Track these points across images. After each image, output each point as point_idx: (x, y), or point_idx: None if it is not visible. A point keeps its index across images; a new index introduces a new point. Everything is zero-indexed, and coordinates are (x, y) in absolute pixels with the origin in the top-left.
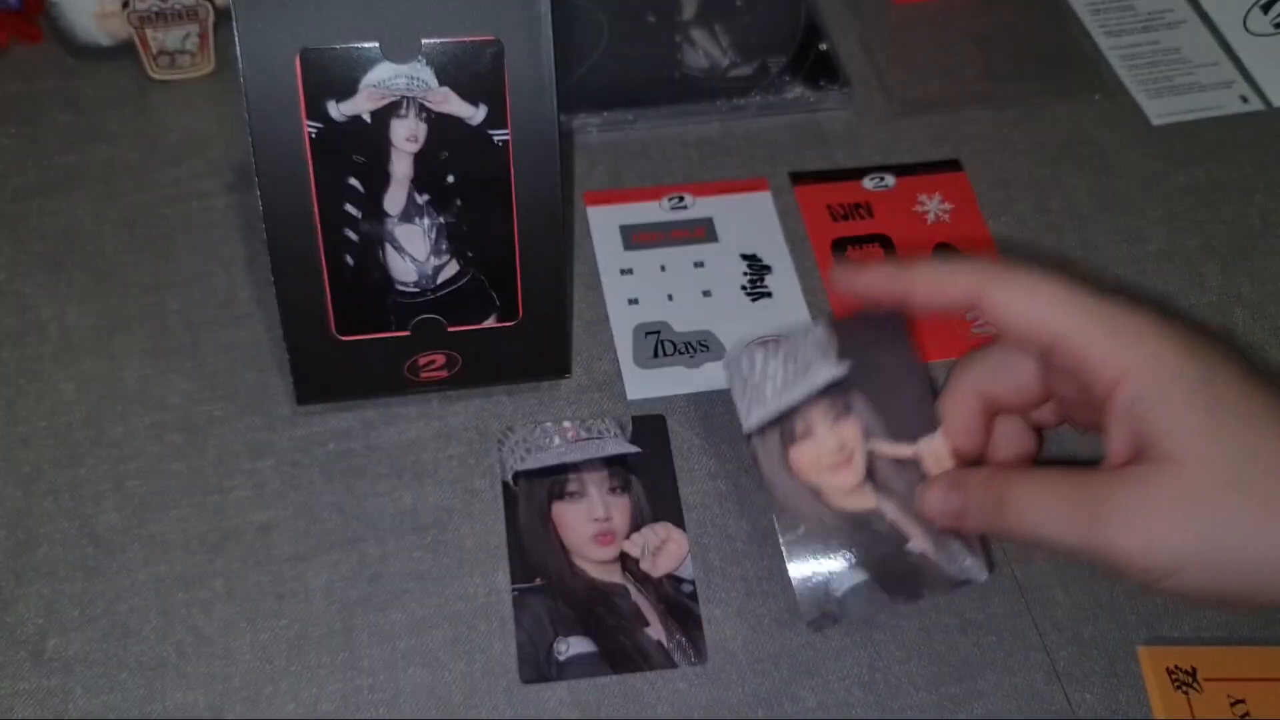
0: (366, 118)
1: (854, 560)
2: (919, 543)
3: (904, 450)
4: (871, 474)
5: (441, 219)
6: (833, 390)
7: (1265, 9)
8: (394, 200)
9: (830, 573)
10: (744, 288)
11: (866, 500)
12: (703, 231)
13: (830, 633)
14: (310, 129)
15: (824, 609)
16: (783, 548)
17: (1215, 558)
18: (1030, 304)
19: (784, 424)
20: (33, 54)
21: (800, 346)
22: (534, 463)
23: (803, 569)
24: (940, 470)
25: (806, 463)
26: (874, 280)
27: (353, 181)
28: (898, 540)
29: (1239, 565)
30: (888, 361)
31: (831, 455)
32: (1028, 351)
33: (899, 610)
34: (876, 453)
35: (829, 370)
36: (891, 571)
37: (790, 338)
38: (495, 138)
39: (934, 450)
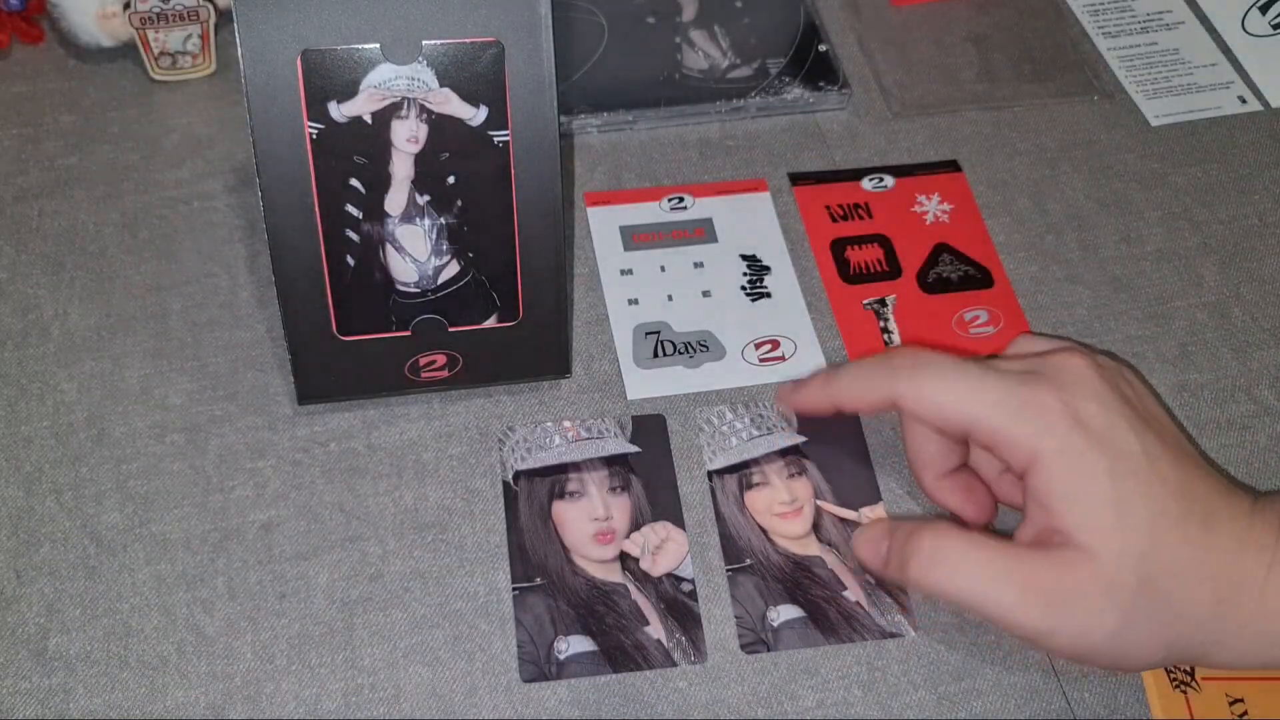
0: (367, 119)
1: (792, 598)
2: (854, 593)
3: (848, 513)
4: (817, 527)
5: (442, 219)
6: (790, 453)
7: (1263, 10)
8: (395, 201)
9: (769, 604)
10: (743, 288)
11: (810, 548)
12: (702, 232)
13: None
14: (311, 130)
15: (759, 635)
16: (726, 574)
17: (1121, 646)
18: (943, 394)
19: (743, 471)
20: (35, 55)
21: (767, 413)
22: (534, 462)
23: (743, 597)
24: None
25: (760, 506)
26: (806, 398)
27: (354, 182)
28: (836, 587)
29: (1138, 652)
30: (840, 440)
31: (784, 505)
32: (951, 436)
33: (828, 649)
34: (824, 509)
35: (789, 437)
36: (826, 614)
37: (758, 404)
38: (496, 138)
39: (874, 517)
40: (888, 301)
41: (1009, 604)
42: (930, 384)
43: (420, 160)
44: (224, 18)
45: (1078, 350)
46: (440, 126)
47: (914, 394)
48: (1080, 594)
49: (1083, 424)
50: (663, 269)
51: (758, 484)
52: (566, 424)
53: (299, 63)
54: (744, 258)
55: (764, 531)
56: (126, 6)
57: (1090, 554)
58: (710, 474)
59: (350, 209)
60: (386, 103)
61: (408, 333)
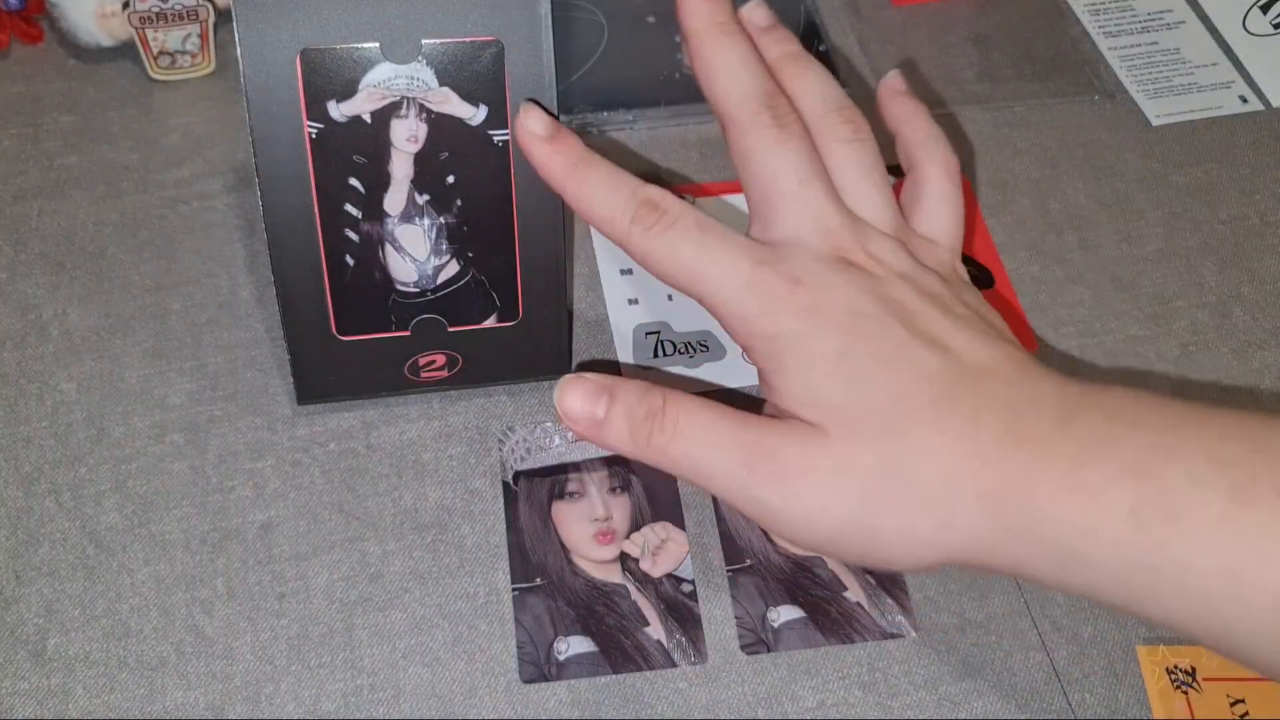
0: (367, 118)
1: (793, 599)
2: (855, 594)
3: None
4: None
5: (442, 219)
6: None
7: (1265, 9)
8: (394, 200)
9: (769, 605)
10: None
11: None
12: None
13: None
14: (310, 129)
15: (759, 636)
16: (726, 575)
17: (868, 535)
18: (672, 260)
19: None
20: (33, 55)
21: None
22: (534, 462)
23: (743, 598)
24: None
25: None
26: (546, 158)
27: (353, 182)
28: (836, 587)
29: (894, 546)
30: None
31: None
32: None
33: (829, 649)
34: None
35: None
36: (827, 614)
37: (756, 405)
38: (495, 138)
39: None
40: None
41: (734, 472)
42: (662, 245)
43: (420, 160)
44: (223, 17)
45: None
46: (440, 126)
47: (644, 250)
48: (809, 469)
49: (811, 306)
50: None
51: None
52: None
53: (298, 62)
54: None
55: (764, 532)
56: (125, 6)
57: (820, 430)
58: None
59: (349, 208)
60: (386, 102)
61: (407, 333)
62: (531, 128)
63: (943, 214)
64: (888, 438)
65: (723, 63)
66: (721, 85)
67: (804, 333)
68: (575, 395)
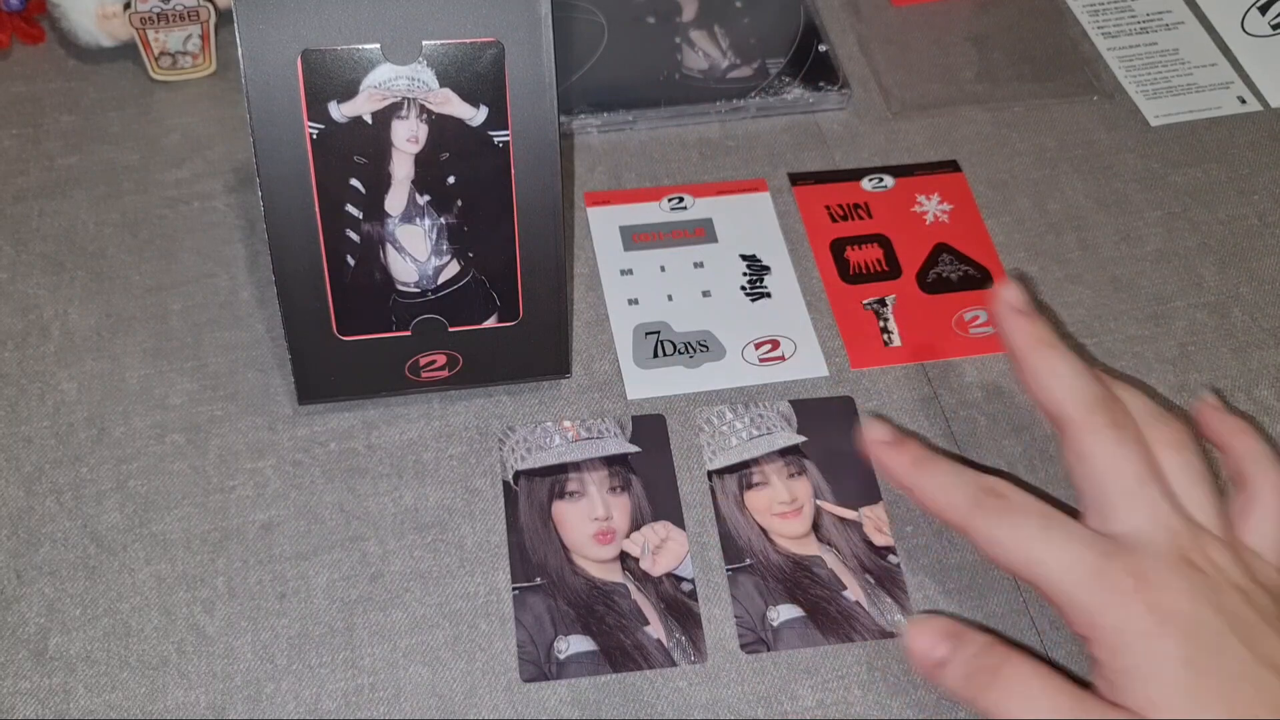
0: (367, 119)
1: (792, 598)
2: (854, 593)
3: (848, 513)
4: (817, 527)
5: (442, 220)
6: (790, 453)
7: (1263, 10)
8: (395, 201)
9: (769, 604)
10: (743, 288)
11: (810, 548)
12: (702, 232)
13: None
14: (311, 130)
15: (759, 635)
16: (726, 574)
17: None
18: (1015, 547)
19: (743, 471)
20: (35, 55)
21: (766, 414)
22: (534, 462)
23: (742, 596)
24: (879, 532)
25: (760, 506)
26: (889, 464)
27: (354, 182)
28: (835, 586)
29: None
30: (839, 440)
31: (783, 505)
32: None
33: (828, 648)
34: (824, 509)
35: (789, 437)
36: (826, 613)
37: (758, 404)
38: (496, 139)
39: (874, 516)
40: (887, 301)
41: None
42: (1006, 532)
43: (420, 160)
44: (224, 18)
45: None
46: (440, 127)
47: (987, 535)
48: None
49: (1157, 604)
50: (663, 269)
51: (757, 484)
52: (566, 424)
53: (299, 63)
54: (744, 258)
55: (764, 531)
56: (127, 6)
57: None
58: (710, 474)
59: (350, 209)
60: (387, 103)
61: (408, 333)
62: (877, 436)
63: (1273, 532)
64: None
65: (1054, 372)
66: (1058, 392)
67: (1152, 633)
68: (924, 635)
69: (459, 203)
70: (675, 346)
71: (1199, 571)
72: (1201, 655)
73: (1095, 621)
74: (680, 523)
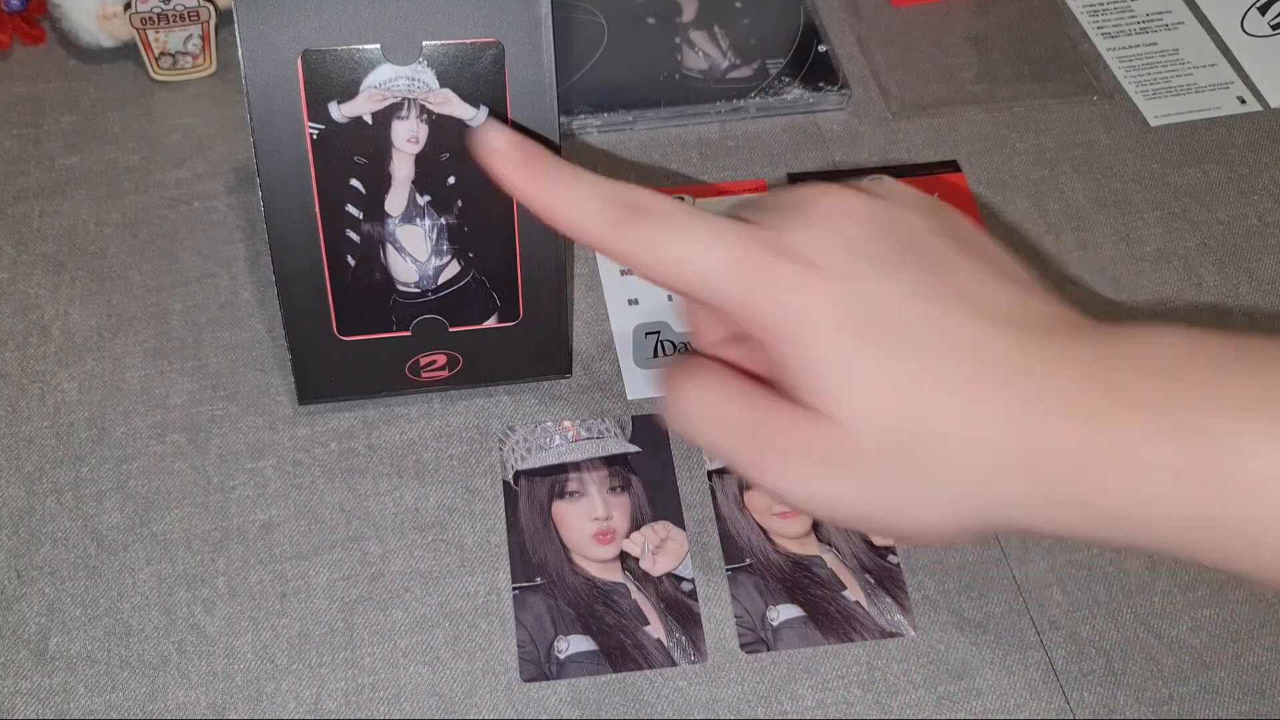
0: (368, 119)
1: (792, 598)
2: (854, 593)
3: None
4: (817, 527)
5: (442, 220)
6: None
7: (1263, 10)
8: (395, 201)
9: (769, 604)
10: None
11: (810, 548)
12: None
13: None
14: (312, 130)
15: (759, 635)
16: (726, 574)
17: (888, 514)
18: (659, 253)
19: None
20: (35, 55)
21: None
22: (535, 462)
23: (742, 596)
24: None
25: (760, 506)
26: (510, 175)
27: (354, 183)
28: (835, 586)
29: (895, 519)
30: None
31: (783, 505)
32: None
33: (828, 648)
34: None
35: None
36: (826, 613)
37: None
38: None
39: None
40: None
41: (769, 478)
42: (648, 241)
43: (421, 161)
44: (224, 18)
45: (843, 190)
46: (441, 127)
47: (629, 250)
48: (826, 457)
49: (823, 286)
50: None
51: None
52: (566, 424)
53: (299, 63)
54: None
55: (764, 531)
56: (127, 7)
57: (835, 422)
58: (710, 474)
59: (351, 209)
60: (387, 103)
61: (408, 333)
62: (495, 145)
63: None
64: (902, 425)
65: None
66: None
67: (802, 308)
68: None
69: (459, 203)
70: (675, 346)
71: (863, 193)
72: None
73: (755, 314)
74: (680, 523)
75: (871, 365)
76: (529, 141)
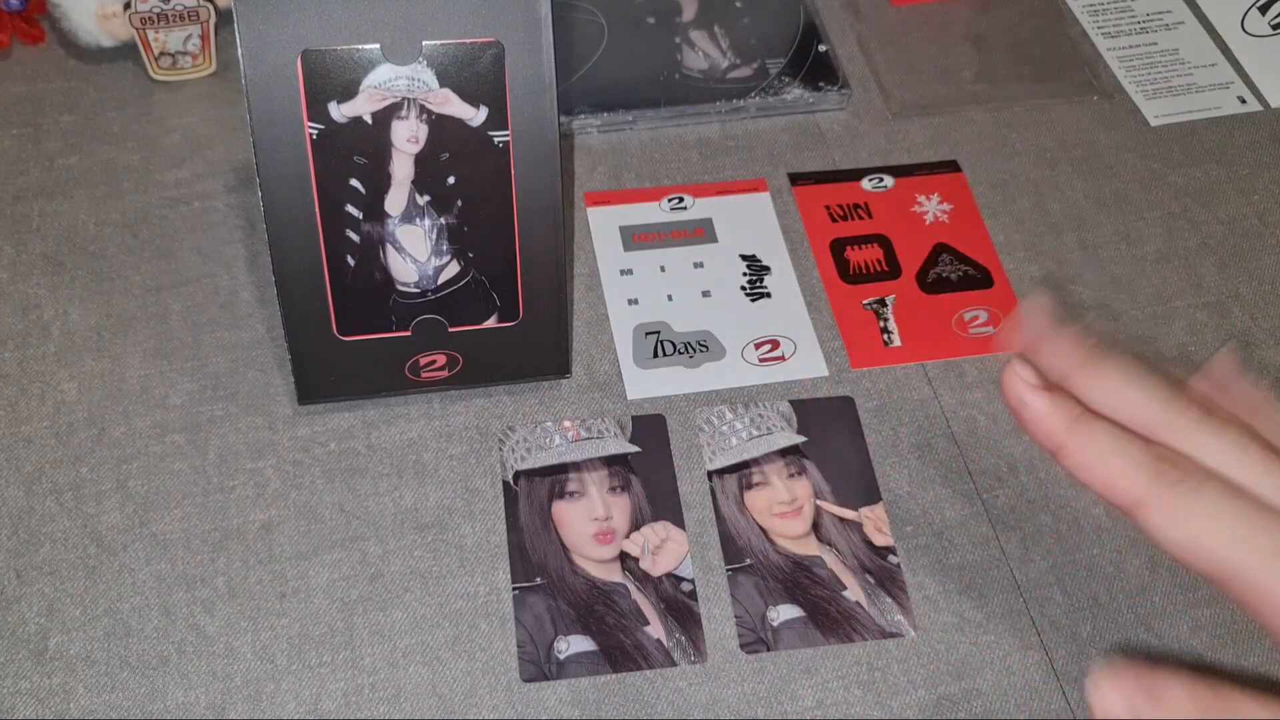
0: (367, 119)
1: (792, 598)
2: (854, 593)
3: (848, 513)
4: (817, 527)
5: (442, 220)
6: (790, 454)
7: (1263, 10)
8: (395, 201)
9: (769, 604)
10: (743, 288)
11: (810, 548)
12: (702, 232)
13: None
14: (311, 130)
15: (759, 635)
16: (726, 574)
17: None
18: (1204, 532)
19: (743, 471)
20: (35, 55)
21: (766, 414)
22: (534, 462)
23: (742, 596)
24: (879, 532)
25: (760, 505)
26: (1044, 414)
27: (354, 182)
28: (835, 586)
29: None
30: (840, 440)
31: (783, 504)
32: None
33: (828, 649)
34: (824, 509)
35: (789, 437)
36: (826, 613)
37: (758, 404)
38: (496, 139)
39: (874, 517)
40: (887, 301)
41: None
42: (1187, 509)
43: (420, 160)
44: (224, 18)
45: None
46: (440, 127)
47: (1164, 512)
48: None
49: None
50: (663, 269)
51: (757, 484)
52: (566, 424)
53: (299, 63)
54: (744, 258)
55: (764, 531)
56: (127, 7)
57: None
58: (710, 474)
59: (350, 209)
60: (387, 103)
61: (408, 333)
62: (1026, 378)
63: None
64: None
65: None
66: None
67: None
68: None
69: (459, 203)
70: (675, 346)
71: None
72: None
73: None
74: (680, 523)
75: None
76: (1045, 377)
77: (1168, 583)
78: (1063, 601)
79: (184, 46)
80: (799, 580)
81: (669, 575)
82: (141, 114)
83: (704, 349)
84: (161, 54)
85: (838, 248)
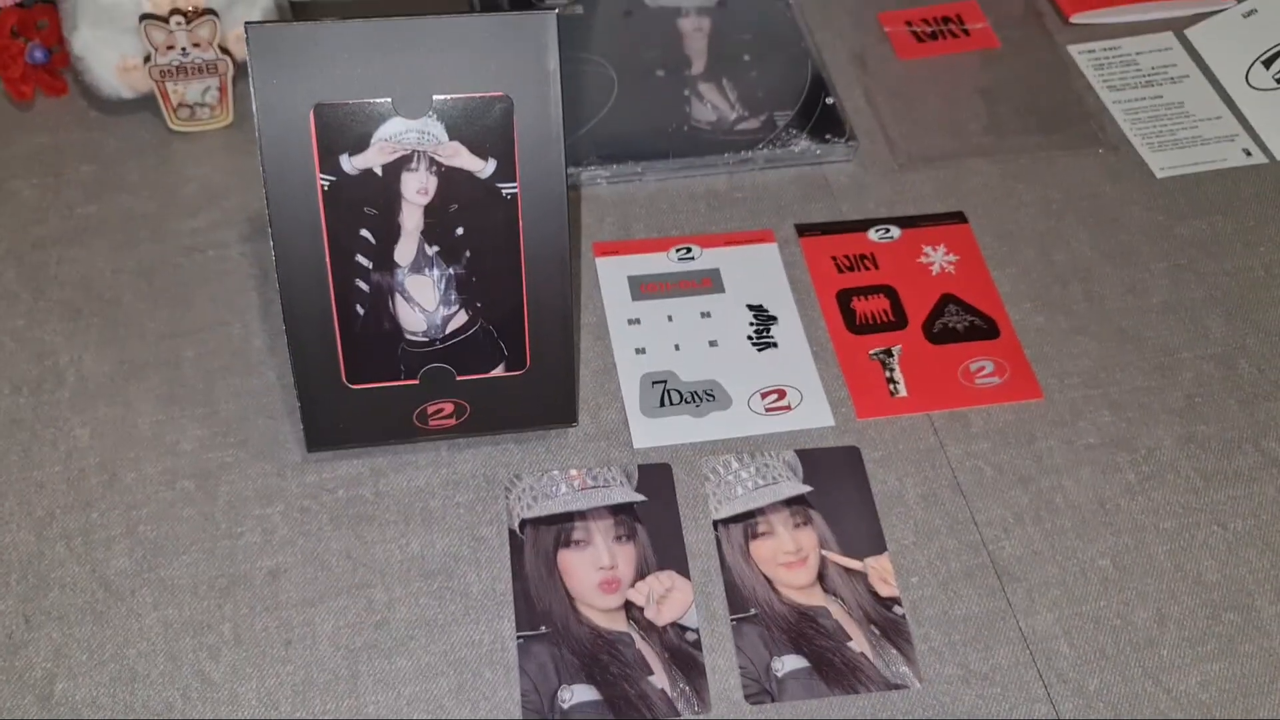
0: (378, 171)
1: (797, 648)
2: (859, 644)
3: (853, 563)
4: (822, 577)
5: (451, 270)
6: (796, 503)
7: (1267, 64)
8: (404, 251)
9: (773, 654)
10: (750, 338)
11: (815, 598)
12: (710, 282)
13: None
14: (323, 181)
15: (763, 686)
16: (730, 624)
17: None
18: None
19: (749, 520)
20: (58, 107)
21: (772, 463)
22: (541, 510)
23: (747, 647)
24: (884, 583)
25: (765, 555)
26: None
27: (364, 233)
28: (841, 637)
29: None
30: (845, 490)
31: (789, 554)
32: None
33: (833, 700)
34: (829, 559)
35: (795, 487)
36: (831, 664)
37: (764, 454)
38: (504, 191)
39: (879, 567)
40: (893, 351)
41: None
42: None
43: (430, 212)
44: (242, 71)
45: None
46: (450, 179)
47: None
48: None
49: None
50: (670, 318)
51: (763, 533)
52: (573, 472)
53: (312, 116)
54: (751, 308)
55: (769, 581)
56: (147, 59)
57: None
58: (715, 523)
59: (360, 259)
60: (397, 155)
61: (416, 381)
62: None
63: None
64: None
65: None
66: None
67: None
68: None
69: (467, 253)
70: (682, 395)
71: None
72: None
73: None
74: (685, 572)
75: None
76: None
77: (1176, 636)
78: (1069, 654)
79: (202, 98)
80: (804, 631)
81: (674, 625)
82: (160, 164)
83: (710, 398)
84: (180, 105)
85: (844, 298)
